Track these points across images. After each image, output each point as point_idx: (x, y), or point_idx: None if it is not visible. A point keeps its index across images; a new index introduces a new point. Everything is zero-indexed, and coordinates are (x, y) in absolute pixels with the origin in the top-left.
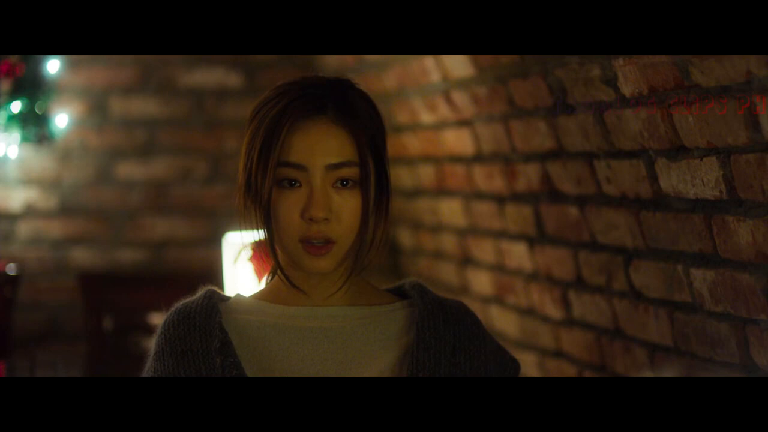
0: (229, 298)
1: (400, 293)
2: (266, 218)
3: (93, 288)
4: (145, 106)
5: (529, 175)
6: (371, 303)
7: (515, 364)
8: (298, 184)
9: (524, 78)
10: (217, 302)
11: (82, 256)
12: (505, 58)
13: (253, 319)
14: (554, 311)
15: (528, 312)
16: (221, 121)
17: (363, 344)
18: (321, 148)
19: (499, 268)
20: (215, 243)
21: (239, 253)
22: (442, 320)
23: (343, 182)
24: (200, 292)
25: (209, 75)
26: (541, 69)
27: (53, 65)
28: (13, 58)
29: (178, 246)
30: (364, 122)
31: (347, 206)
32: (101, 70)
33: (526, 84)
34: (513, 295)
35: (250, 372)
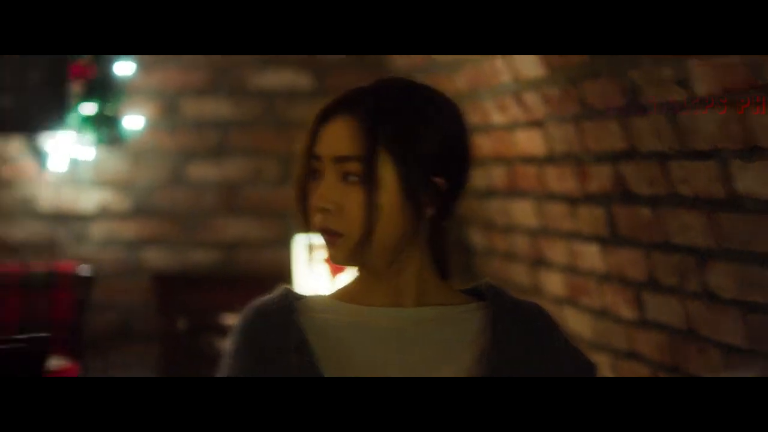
0: (305, 296)
1: (474, 294)
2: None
3: (166, 289)
4: (217, 108)
5: (601, 176)
6: (446, 303)
7: (591, 367)
8: (319, 176)
9: (596, 79)
10: (293, 301)
11: (154, 257)
12: (576, 59)
13: (329, 318)
14: (627, 312)
15: (601, 313)
16: (292, 122)
17: (438, 345)
18: (332, 140)
19: (571, 270)
20: (286, 244)
21: (312, 253)
22: (518, 322)
23: (350, 176)
24: (276, 291)
25: (280, 76)
26: (613, 70)
27: (125, 67)
28: (85, 60)
29: (250, 247)
30: (386, 119)
31: (350, 200)
32: (174, 72)
33: (598, 85)
34: (586, 297)
35: (326, 371)
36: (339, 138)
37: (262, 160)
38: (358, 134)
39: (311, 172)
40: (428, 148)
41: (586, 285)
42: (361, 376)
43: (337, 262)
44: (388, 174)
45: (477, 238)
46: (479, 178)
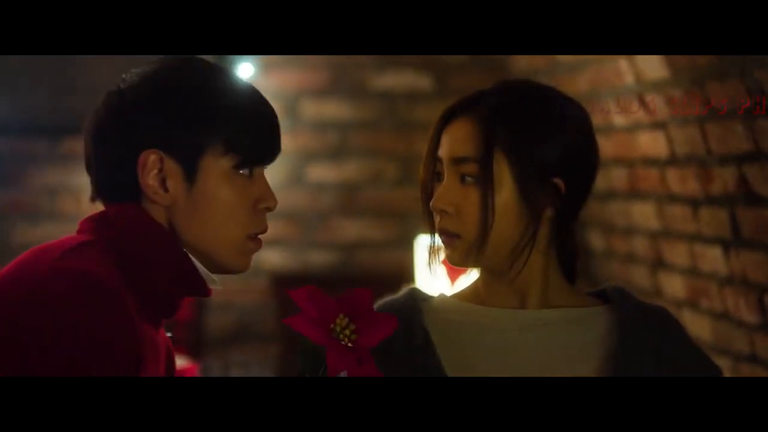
0: (430, 297)
1: (600, 297)
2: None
3: (285, 290)
4: (336, 109)
5: (725, 178)
6: (571, 305)
7: (717, 370)
8: (441, 177)
9: (722, 80)
10: (419, 301)
11: (274, 258)
12: (701, 59)
13: (454, 318)
14: (749, 316)
15: (722, 316)
16: (412, 123)
17: (562, 348)
18: (451, 141)
19: (692, 272)
20: (406, 245)
21: (435, 255)
22: (645, 326)
23: (467, 177)
24: (403, 291)
25: (400, 77)
26: (739, 70)
27: (244, 69)
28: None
29: (369, 248)
30: (503, 121)
31: (468, 202)
32: (293, 73)
33: (724, 86)
34: (706, 299)
35: (450, 372)
36: (457, 139)
37: (382, 161)
38: (475, 135)
39: (434, 173)
40: (546, 149)
41: (707, 288)
42: (484, 376)
43: (454, 263)
44: (504, 175)
45: (596, 240)
46: (599, 179)
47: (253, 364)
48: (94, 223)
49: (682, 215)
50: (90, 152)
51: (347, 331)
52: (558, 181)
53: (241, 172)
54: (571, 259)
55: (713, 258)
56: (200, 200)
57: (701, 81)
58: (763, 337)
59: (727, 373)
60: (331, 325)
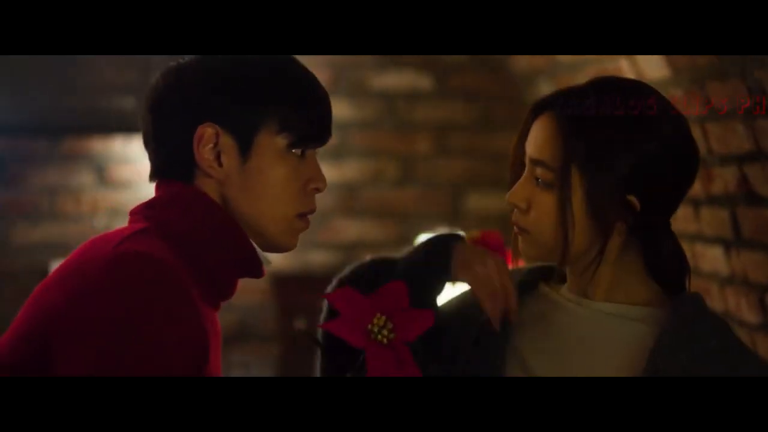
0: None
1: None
2: None
3: (285, 290)
4: (336, 109)
5: (725, 178)
6: (633, 303)
7: None
8: (524, 170)
9: (722, 80)
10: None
11: (274, 258)
12: (701, 59)
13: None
14: (750, 316)
15: (723, 316)
16: (412, 123)
17: (601, 342)
18: (533, 139)
19: (693, 272)
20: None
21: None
22: (683, 341)
23: (540, 180)
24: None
25: (400, 77)
26: (739, 70)
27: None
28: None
29: (370, 248)
30: (584, 132)
31: (539, 203)
32: None
33: (725, 86)
34: (707, 299)
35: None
36: (538, 139)
37: (382, 161)
38: (554, 141)
39: (521, 163)
40: (623, 168)
41: (707, 288)
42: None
43: (523, 255)
44: (576, 187)
45: None
46: None
47: (253, 364)
48: (147, 210)
49: (682, 215)
50: (148, 127)
51: (385, 331)
52: (633, 198)
53: (293, 151)
54: (663, 264)
55: (714, 258)
56: (253, 176)
57: (702, 81)
58: (764, 337)
59: None
60: (369, 326)
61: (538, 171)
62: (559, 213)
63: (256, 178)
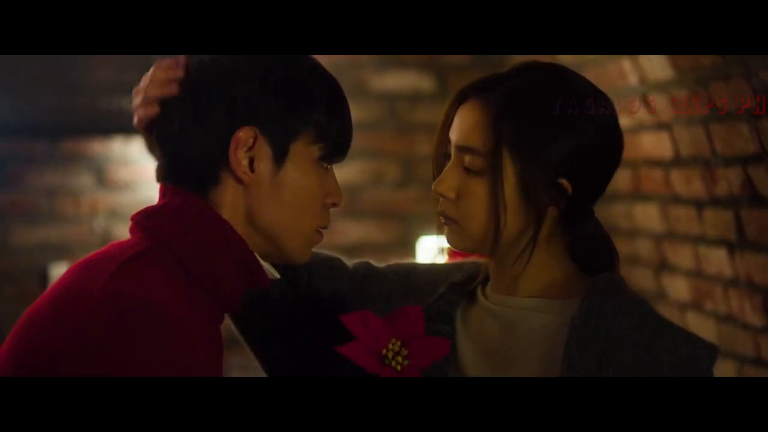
0: None
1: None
2: None
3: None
4: None
5: (730, 179)
6: (557, 296)
7: (707, 353)
8: (449, 158)
9: (726, 80)
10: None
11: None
12: (705, 59)
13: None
14: (754, 318)
15: (726, 319)
16: (413, 124)
17: (520, 336)
18: (460, 126)
19: (697, 274)
20: (408, 246)
21: (441, 254)
22: (593, 329)
23: (469, 166)
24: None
25: (401, 78)
26: (744, 70)
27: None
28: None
29: (371, 250)
30: (512, 115)
31: (469, 191)
32: None
33: (729, 86)
34: (711, 302)
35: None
36: (465, 126)
37: (383, 162)
38: (483, 127)
39: (445, 153)
40: (554, 149)
41: (711, 290)
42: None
43: (452, 246)
44: (506, 171)
45: None
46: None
47: (252, 366)
48: (149, 219)
49: (686, 217)
50: (171, 122)
51: (399, 358)
52: (564, 181)
53: (322, 164)
54: (587, 251)
55: (718, 260)
56: (283, 185)
57: (705, 81)
58: None
59: (732, 376)
60: (384, 351)
61: (467, 159)
62: (491, 199)
63: (286, 188)
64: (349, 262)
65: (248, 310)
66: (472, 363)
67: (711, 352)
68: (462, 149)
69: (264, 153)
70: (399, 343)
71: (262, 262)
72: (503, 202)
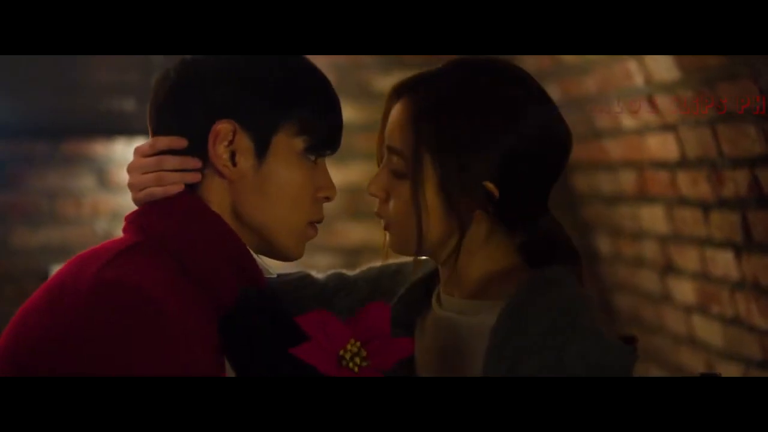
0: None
1: None
2: None
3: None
4: None
5: (737, 181)
6: (496, 297)
7: (620, 360)
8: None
9: (733, 81)
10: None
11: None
12: (712, 60)
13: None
14: (762, 321)
15: (733, 322)
16: None
17: (457, 340)
18: (389, 126)
19: (703, 277)
20: None
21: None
22: (513, 329)
23: (395, 168)
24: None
25: None
26: (751, 71)
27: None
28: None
29: (373, 251)
30: (435, 117)
31: (395, 192)
32: None
33: (736, 87)
34: (717, 305)
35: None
36: (391, 126)
37: None
38: (405, 128)
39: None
40: (477, 154)
41: (718, 293)
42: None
43: (390, 247)
44: (428, 175)
45: (603, 244)
46: (606, 183)
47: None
48: (142, 217)
49: (692, 219)
50: (157, 122)
51: (357, 359)
52: (490, 186)
53: (308, 157)
54: (534, 250)
55: (724, 262)
56: (268, 179)
57: (712, 82)
58: None
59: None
60: (341, 352)
61: (394, 159)
62: (414, 202)
63: (271, 181)
64: (321, 275)
65: (227, 336)
66: (422, 366)
67: (624, 359)
68: (390, 150)
69: (245, 146)
70: (358, 343)
71: (258, 259)
72: (425, 206)
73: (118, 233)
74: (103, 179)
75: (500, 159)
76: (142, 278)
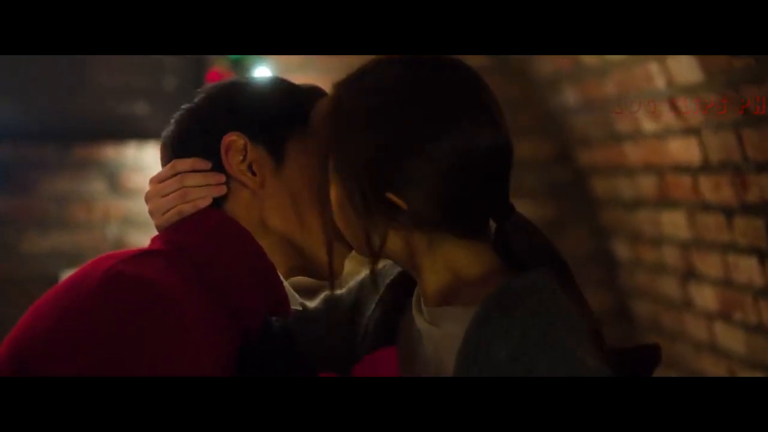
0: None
1: None
2: None
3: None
4: None
5: (762, 186)
6: (467, 303)
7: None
8: None
9: (759, 83)
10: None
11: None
12: (738, 61)
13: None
14: None
15: (757, 329)
16: None
17: (427, 358)
18: None
19: (726, 283)
20: None
21: None
22: (478, 353)
23: None
24: None
25: None
26: None
27: (263, 72)
28: (222, 66)
29: None
30: (337, 123)
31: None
32: (313, 77)
33: (762, 89)
34: (740, 311)
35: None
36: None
37: None
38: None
39: None
40: (372, 162)
41: (741, 299)
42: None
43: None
44: (334, 185)
45: (622, 250)
46: (626, 187)
47: None
48: (169, 234)
49: (715, 224)
50: (170, 154)
51: None
52: (393, 196)
53: None
54: (512, 252)
55: (748, 268)
56: (289, 181)
57: (737, 84)
58: None
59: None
60: None
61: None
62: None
63: (292, 183)
64: (312, 302)
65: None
66: (404, 372)
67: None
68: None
69: (260, 156)
70: None
71: (287, 286)
72: (329, 211)
73: (129, 238)
74: (114, 184)
75: (408, 171)
76: (155, 276)
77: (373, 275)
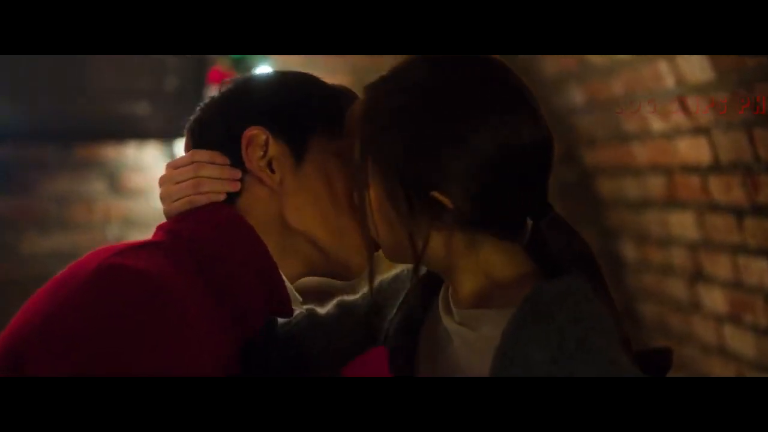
0: None
1: None
2: None
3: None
4: None
5: None
6: (501, 306)
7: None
8: None
9: None
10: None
11: None
12: (750, 60)
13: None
14: None
15: (767, 332)
16: None
17: (456, 359)
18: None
19: (735, 285)
20: None
21: None
22: (515, 357)
23: None
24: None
25: None
26: None
27: (264, 72)
28: (223, 65)
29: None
30: (373, 124)
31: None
32: None
33: None
34: (751, 314)
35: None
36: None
37: None
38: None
39: None
40: (414, 162)
41: (751, 302)
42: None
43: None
44: (375, 185)
45: (629, 250)
46: (633, 187)
47: None
48: (174, 224)
49: (724, 225)
50: (196, 139)
51: None
52: (438, 195)
53: None
54: (547, 254)
55: (759, 270)
56: (309, 179)
57: (749, 83)
58: None
59: None
60: None
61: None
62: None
63: (312, 182)
64: (323, 308)
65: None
66: (423, 374)
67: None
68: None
69: (280, 152)
70: None
71: (288, 286)
72: (370, 212)
73: (130, 239)
74: (115, 184)
75: (450, 167)
76: (153, 268)
77: (416, 277)
